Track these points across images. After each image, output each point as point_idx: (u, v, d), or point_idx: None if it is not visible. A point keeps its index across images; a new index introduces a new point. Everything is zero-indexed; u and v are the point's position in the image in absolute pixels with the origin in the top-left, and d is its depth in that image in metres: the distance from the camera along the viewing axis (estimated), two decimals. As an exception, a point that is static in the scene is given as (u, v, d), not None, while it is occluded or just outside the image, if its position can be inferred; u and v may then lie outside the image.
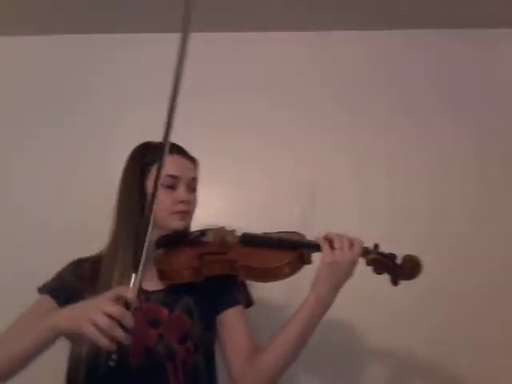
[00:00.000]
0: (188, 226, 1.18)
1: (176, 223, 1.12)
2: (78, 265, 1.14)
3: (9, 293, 1.52)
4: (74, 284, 1.06)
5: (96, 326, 0.80)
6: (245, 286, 1.19)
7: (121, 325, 0.80)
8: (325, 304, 0.99)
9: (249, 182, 1.72)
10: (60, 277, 1.12)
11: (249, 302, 1.18)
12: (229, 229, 1.15)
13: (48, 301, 1.07)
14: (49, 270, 1.13)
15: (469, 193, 1.71)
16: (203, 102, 1.76)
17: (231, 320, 1.11)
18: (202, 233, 1.16)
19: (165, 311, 1.06)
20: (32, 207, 1.71)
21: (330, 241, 1.00)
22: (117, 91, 1.80)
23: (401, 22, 1.78)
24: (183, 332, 1.05)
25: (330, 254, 0.99)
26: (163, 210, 1.10)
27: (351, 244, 1.00)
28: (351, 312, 1.55)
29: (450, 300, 1.62)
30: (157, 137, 1.49)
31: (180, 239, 1.14)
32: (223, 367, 1.11)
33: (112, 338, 0.80)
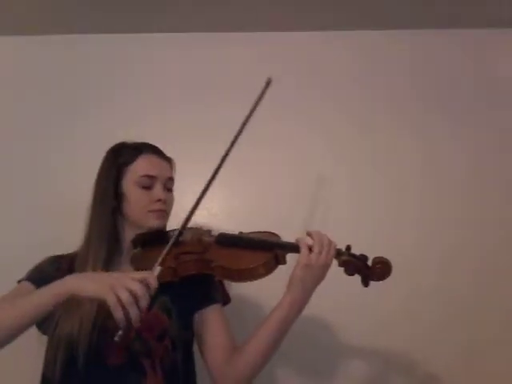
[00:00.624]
0: (164, 225, 1.19)
1: (152, 222, 1.13)
2: (56, 259, 1.14)
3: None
4: (52, 275, 1.02)
5: (118, 297, 0.82)
6: (222, 284, 1.20)
7: (137, 305, 0.83)
8: (299, 305, 1.02)
9: (247, 183, 1.72)
10: (39, 268, 1.12)
11: (226, 300, 1.20)
12: (205, 229, 1.16)
13: (28, 286, 1.07)
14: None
15: (461, 194, 1.72)
16: (201, 104, 1.77)
17: (209, 318, 1.12)
18: (179, 233, 1.16)
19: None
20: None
21: (306, 243, 1.02)
22: (117, 91, 1.80)
23: (400, 22, 1.78)
24: (160, 330, 1.05)
25: (306, 256, 1.00)
26: (139, 209, 1.12)
27: (326, 246, 1.01)
28: (339, 313, 1.58)
29: (439, 300, 1.63)
30: (157, 137, 1.49)
31: (157, 238, 1.14)
32: (201, 365, 1.12)
33: (126, 314, 0.82)
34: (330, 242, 1.02)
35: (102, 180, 1.15)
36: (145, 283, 0.85)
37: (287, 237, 1.12)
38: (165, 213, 1.16)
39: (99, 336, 1.00)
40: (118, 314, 0.82)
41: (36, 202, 1.70)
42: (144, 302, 0.84)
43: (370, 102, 1.79)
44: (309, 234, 1.04)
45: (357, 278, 1.04)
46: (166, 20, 1.75)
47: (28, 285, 1.07)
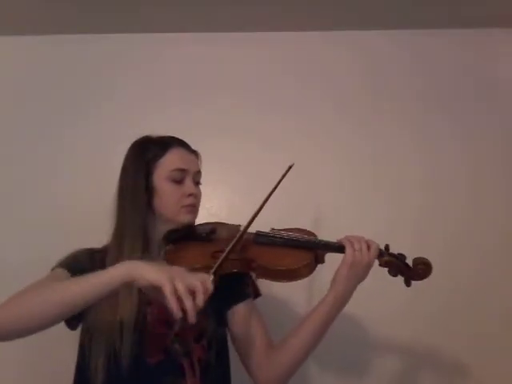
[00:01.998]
0: (194, 220, 1.17)
1: (185, 217, 1.11)
2: (89, 252, 1.11)
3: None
4: (87, 266, 1.01)
5: (175, 288, 0.79)
6: (251, 278, 1.19)
7: (194, 301, 0.80)
8: (342, 303, 1.05)
9: (247, 183, 1.72)
10: (74, 257, 1.09)
11: (257, 293, 1.20)
12: (236, 225, 1.13)
13: (63, 272, 1.03)
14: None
15: (461, 194, 1.72)
16: (201, 104, 1.77)
17: (244, 314, 1.12)
18: (212, 229, 1.15)
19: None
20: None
21: (351, 243, 1.05)
22: (117, 91, 1.80)
23: (400, 22, 1.77)
24: (198, 330, 1.04)
25: (352, 255, 1.03)
26: (172, 204, 1.10)
27: (369, 247, 1.05)
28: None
29: (445, 292, 1.63)
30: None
31: (190, 235, 1.12)
32: (234, 363, 1.13)
33: (182, 306, 0.79)
34: (370, 241, 1.06)
35: (131, 175, 1.12)
36: (204, 284, 0.83)
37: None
38: (195, 207, 1.15)
39: (138, 333, 0.99)
40: (173, 304, 0.79)
41: (36, 203, 1.70)
42: (201, 300, 0.81)
43: (370, 102, 1.79)
44: (350, 237, 1.07)
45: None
46: (166, 20, 1.75)
47: (63, 272, 1.03)
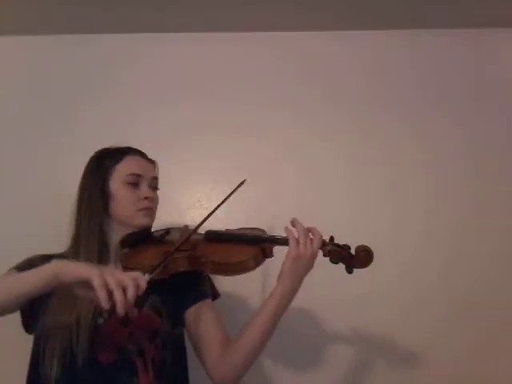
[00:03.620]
0: (151, 223, 1.21)
1: (141, 220, 1.15)
2: (45, 257, 1.13)
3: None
4: None
5: (104, 280, 0.81)
6: (210, 279, 1.23)
7: (124, 292, 0.82)
8: (290, 295, 1.07)
9: (246, 182, 1.70)
10: (29, 261, 1.12)
11: (215, 295, 1.23)
12: (191, 227, 1.17)
13: (14, 272, 1.07)
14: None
15: (462, 194, 1.71)
16: (201, 104, 1.77)
17: (201, 314, 1.14)
18: (166, 231, 1.20)
19: (135, 310, 1.06)
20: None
21: (294, 237, 1.06)
22: (117, 91, 1.79)
23: (400, 22, 1.78)
24: (152, 330, 1.06)
25: (295, 249, 1.04)
26: (128, 207, 1.14)
27: (312, 239, 1.06)
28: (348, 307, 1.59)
29: (445, 295, 1.63)
30: (157, 136, 1.48)
31: (144, 238, 1.16)
32: (192, 362, 1.14)
33: (111, 297, 0.81)
34: (316, 233, 1.07)
35: (89, 181, 1.17)
36: (135, 281, 0.84)
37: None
38: (152, 211, 1.19)
39: (93, 333, 1.01)
40: (101, 294, 0.81)
41: (36, 203, 1.69)
42: (131, 294, 0.82)
43: (370, 102, 1.79)
44: (293, 224, 1.08)
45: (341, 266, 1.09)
46: (166, 20, 1.75)
47: (15, 272, 1.07)
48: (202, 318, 1.13)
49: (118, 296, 0.81)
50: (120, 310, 0.81)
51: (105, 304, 0.81)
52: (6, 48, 1.80)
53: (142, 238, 1.16)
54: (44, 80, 1.80)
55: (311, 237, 1.07)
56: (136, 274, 0.87)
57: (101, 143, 1.72)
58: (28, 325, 1.09)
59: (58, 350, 0.99)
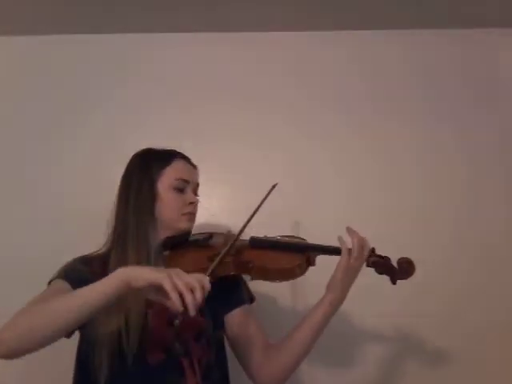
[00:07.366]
0: (192, 228, 1.21)
1: (184, 224, 1.17)
2: (85, 260, 1.12)
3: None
4: (86, 274, 1.02)
5: (174, 283, 0.81)
6: (245, 284, 1.24)
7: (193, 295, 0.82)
8: (337, 304, 1.10)
9: (247, 183, 1.71)
10: (72, 267, 1.09)
11: (252, 299, 1.24)
12: (233, 233, 1.17)
13: (64, 284, 1.03)
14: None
15: (461, 194, 1.72)
16: (201, 104, 1.77)
17: (242, 319, 1.16)
18: (210, 236, 1.21)
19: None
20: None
21: (348, 249, 1.08)
22: (117, 91, 1.79)
23: (400, 22, 1.78)
24: (198, 330, 1.07)
25: (347, 261, 1.07)
26: (173, 211, 1.15)
27: (362, 251, 1.08)
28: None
29: (444, 291, 1.64)
30: (157, 136, 1.47)
31: (187, 241, 1.18)
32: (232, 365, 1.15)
33: (183, 300, 0.81)
34: (366, 245, 1.09)
35: (135, 180, 1.15)
36: (201, 282, 0.84)
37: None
38: (194, 216, 1.20)
39: (142, 332, 1.00)
40: (175, 297, 0.80)
41: (36, 203, 1.70)
42: (199, 296, 0.82)
43: (370, 102, 1.79)
44: (350, 234, 1.09)
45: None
46: (167, 20, 1.75)
47: (64, 283, 1.03)
48: (242, 324, 1.15)
49: (188, 298, 0.81)
50: (192, 311, 0.81)
51: (179, 306, 0.81)
52: (6, 48, 1.80)
53: (183, 241, 1.17)
54: (44, 80, 1.79)
55: (361, 247, 1.08)
56: (200, 275, 0.87)
57: (101, 143, 1.74)
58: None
59: (107, 351, 0.98)
